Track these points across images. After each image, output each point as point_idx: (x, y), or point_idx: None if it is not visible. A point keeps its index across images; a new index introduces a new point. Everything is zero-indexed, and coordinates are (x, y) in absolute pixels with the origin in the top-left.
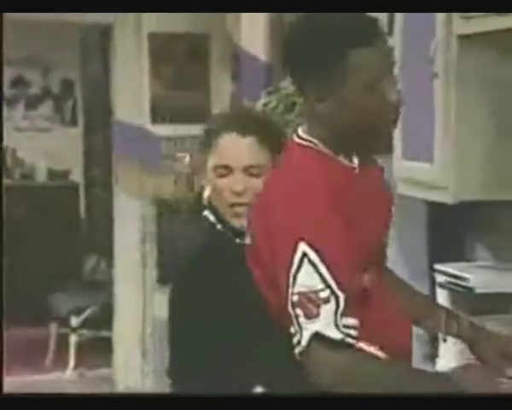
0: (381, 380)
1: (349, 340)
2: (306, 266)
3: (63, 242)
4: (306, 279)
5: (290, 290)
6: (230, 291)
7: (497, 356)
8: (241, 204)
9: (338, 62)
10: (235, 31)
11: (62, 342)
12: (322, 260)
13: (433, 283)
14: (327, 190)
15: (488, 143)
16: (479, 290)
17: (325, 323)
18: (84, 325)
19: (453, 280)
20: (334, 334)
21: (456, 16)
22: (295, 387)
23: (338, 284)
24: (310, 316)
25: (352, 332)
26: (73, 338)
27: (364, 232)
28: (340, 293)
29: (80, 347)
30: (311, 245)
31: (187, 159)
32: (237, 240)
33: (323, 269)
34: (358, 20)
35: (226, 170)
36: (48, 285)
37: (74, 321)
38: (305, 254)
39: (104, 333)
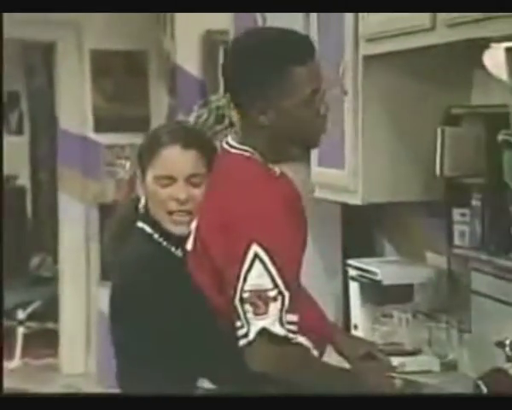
0: (311, 375)
1: (290, 335)
2: (257, 265)
3: (11, 241)
4: (257, 278)
5: (240, 287)
6: (169, 298)
7: (361, 358)
8: (183, 211)
9: (280, 77)
10: (172, 49)
11: (11, 334)
12: (272, 261)
13: (345, 276)
14: (276, 195)
15: (391, 151)
16: (385, 282)
17: (272, 320)
18: (30, 317)
19: (363, 274)
20: (279, 330)
21: (361, 39)
22: (236, 380)
23: (285, 283)
24: (258, 313)
25: (293, 328)
26: (20, 330)
27: (304, 232)
28: (286, 292)
29: (27, 338)
30: (262, 246)
31: (127, 165)
32: (172, 248)
33: (273, 269)
34: (297, 37)
35: (169, 180)
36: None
37: (21, 314)
38: (256, 255)
39: (50, 325)
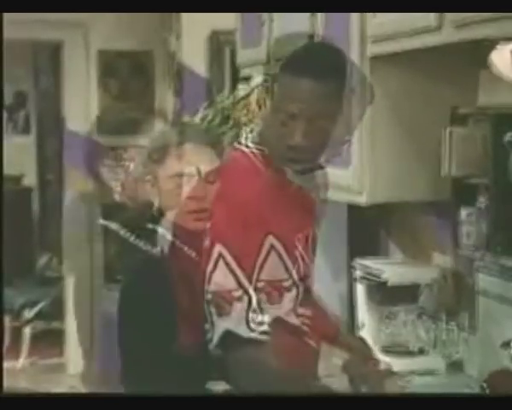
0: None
1: (262, 337)
2: (221, 266)
3: (18, 241)
4: (221, 279)
5: (206, 289)
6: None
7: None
8: (202, 209)
9: (337, 98)
10: (178, 49)
11: (17, 333)
12: (237, 261)
13: (351, 277)
14: (261, 196)
15: (397, 151)
16: (391, 283)
17: (236, 320)
18: (36, 317)
19: (369, 274)
20: (245, 332)
21: (367, 40)
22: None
23: (251, 283)
24: (221, 313)
25: (265, 328)
26: (27, 330)
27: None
28: (252, 292)
29: (34, 338)
30: (227, 246)
31: (131, 166)
32: (185, 248)
33: (238, 270)
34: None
35: (186, 178)
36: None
37: (27, 314)
38: (220, 255)
39: (56, 325)
